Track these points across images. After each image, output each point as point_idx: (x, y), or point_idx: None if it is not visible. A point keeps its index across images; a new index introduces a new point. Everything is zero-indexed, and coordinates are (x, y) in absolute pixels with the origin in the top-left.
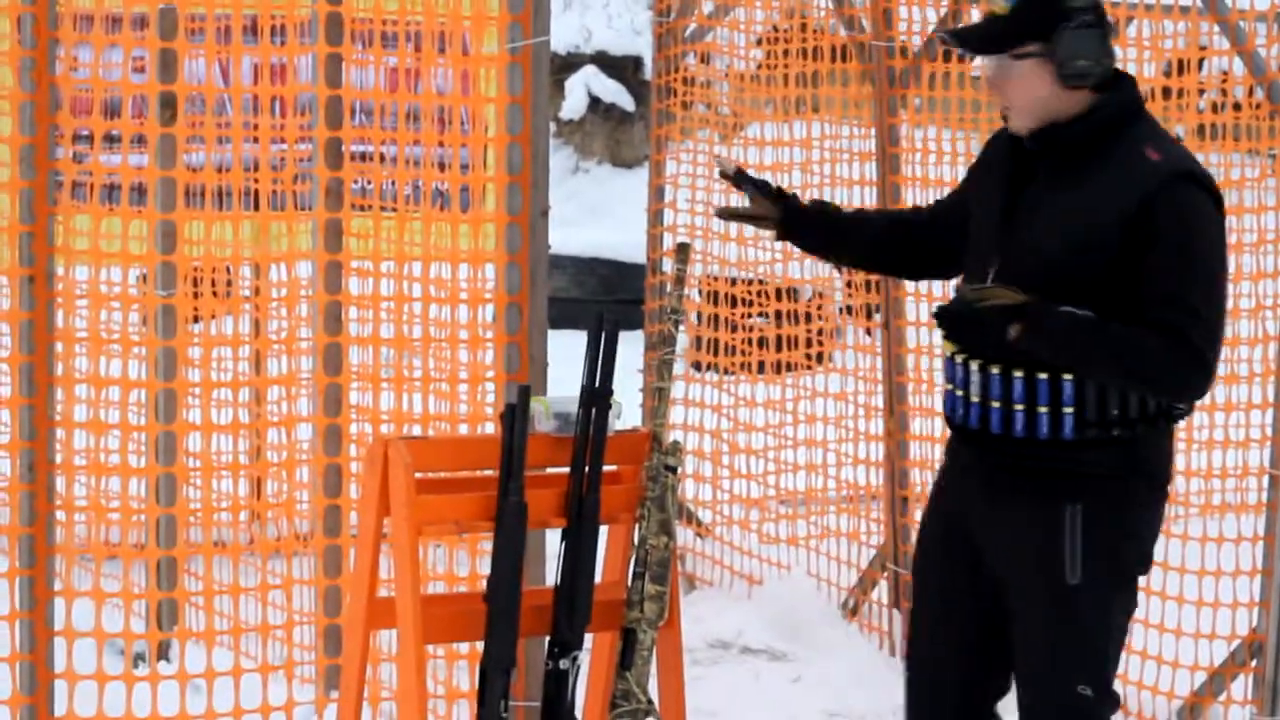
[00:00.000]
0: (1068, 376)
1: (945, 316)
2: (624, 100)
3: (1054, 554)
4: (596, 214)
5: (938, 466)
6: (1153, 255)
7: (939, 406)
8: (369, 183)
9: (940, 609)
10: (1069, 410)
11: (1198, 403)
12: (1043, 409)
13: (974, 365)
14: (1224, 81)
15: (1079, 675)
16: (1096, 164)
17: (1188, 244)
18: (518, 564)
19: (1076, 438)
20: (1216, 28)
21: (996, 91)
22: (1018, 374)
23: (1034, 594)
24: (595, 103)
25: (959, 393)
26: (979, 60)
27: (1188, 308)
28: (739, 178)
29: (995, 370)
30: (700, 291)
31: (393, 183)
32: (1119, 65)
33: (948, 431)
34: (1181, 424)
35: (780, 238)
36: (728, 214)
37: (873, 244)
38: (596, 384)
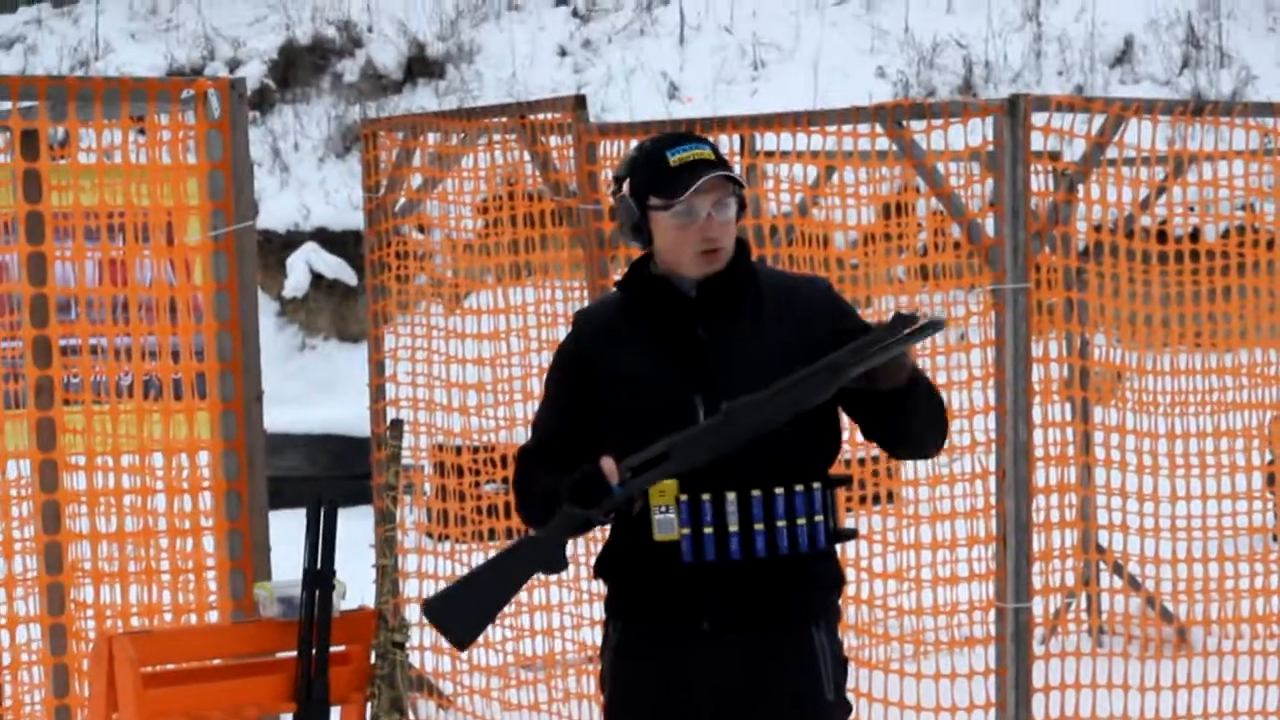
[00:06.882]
0: (816, 485)
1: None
2: (346, 275)
3: (812, 674)
4: (326, 390)
5: (608, 634)
6: (850, 322)
7: None
8: (78, 377)
9: None
10: (819, 519)
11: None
12: (801, 521)
13: (730, 495)
14: (940, 221)
15: None
16: (759, 294)
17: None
18: None
19: (827, 546)
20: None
21: (718, 234)
22: (778, 490)
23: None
24: (318, 279)
25: (707, 530)
26: (679, 208)
27: None
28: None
29: (756, 492)
30: (429, 463)
31: (104, 376)
32: (836, 211)
33: None
34: None
35: None
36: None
37: None
38: (318, 566)
